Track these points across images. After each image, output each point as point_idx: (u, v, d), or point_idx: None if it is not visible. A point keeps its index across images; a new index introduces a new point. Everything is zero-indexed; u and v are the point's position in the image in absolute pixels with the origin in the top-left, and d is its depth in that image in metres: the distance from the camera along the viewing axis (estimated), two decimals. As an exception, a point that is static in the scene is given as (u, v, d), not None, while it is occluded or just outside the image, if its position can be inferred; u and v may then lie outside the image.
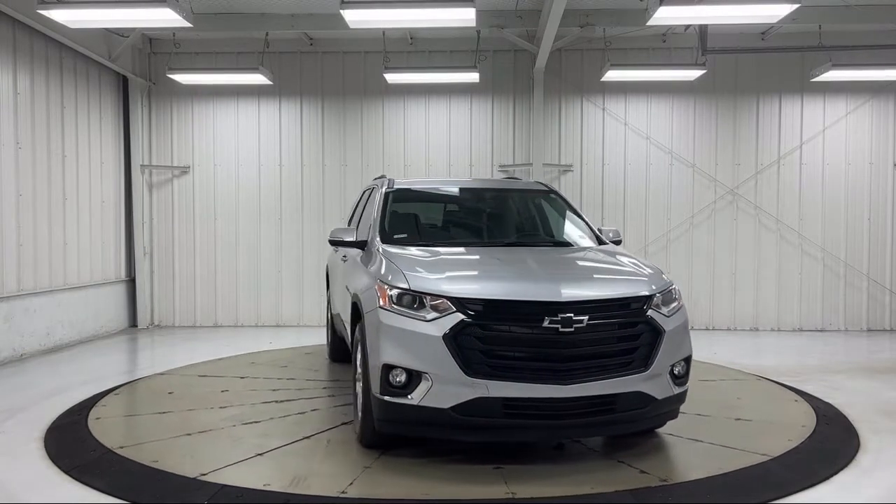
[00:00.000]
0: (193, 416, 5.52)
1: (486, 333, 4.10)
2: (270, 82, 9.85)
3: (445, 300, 4.16)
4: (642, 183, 10.45)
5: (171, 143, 10.69)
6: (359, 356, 4.79)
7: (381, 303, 4.32)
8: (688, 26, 9.56)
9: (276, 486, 4.05)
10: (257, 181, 10.66)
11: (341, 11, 7.02)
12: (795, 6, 6.94)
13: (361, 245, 5.39)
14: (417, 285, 4.27)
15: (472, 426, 4.12)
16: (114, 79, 10.22)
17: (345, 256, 6.18)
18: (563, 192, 6.76)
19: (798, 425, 5.30)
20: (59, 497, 4.02)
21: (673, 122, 10.47)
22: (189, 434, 5.05)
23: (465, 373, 4.02)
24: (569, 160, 10.46)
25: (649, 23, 7.42)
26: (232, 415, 5.54)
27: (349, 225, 7.09)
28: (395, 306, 4.26)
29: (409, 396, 4.12)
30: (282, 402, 5.96)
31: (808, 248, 10.38)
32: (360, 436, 4.69)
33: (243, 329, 10.45)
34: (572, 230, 5.85)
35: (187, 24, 7.23)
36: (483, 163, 10.53)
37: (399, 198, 5.90)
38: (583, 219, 5.96)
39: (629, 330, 4.29)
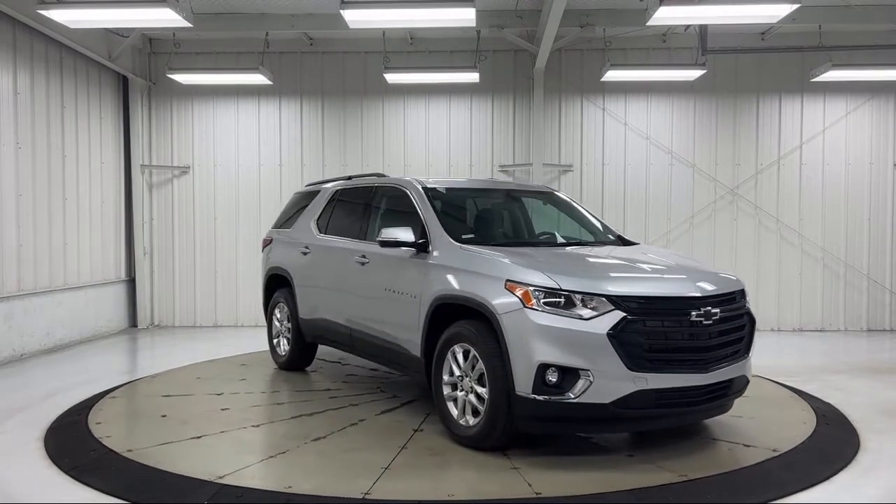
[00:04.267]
0: (243, 437, 4.99)
1: (646, 329, 4.28)
2: (270, 82, 9.85)
3: (602, 299, 4.29)
4: (642, 183, 10.45)
5: (171, 143, 10.69)
6: (459, 359, 4.76)
7: (526, 303, 4.35)
8: (688, 26, 9.56)
9: (459, 496, 3.91)
10: (257, 181, 10.66)
11: (341, 11, 7.03)
12: (795, 6, 6.94)
13: (422, 246, 5.20)
14: (568, 285, 4.33)
15: (628, 418, 4.37)
16: (114, 79, 10.22)
17: (363, 256, 5.88)
18: (563, 193, 6.87)
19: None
20: (59, 497, 4.02)
21: (673, 122, 10.47)
22: (272, 456, 4.58)
23: (629, 368, 4.18)
24: (569, 160, 10.46)
25: (649, 23, 7.43)
26: (283, 433, 5.10)
27: (320, 227, 6.83)
28: (545, 306, 4.31)
29: (567, 394, 4.23)
30: (311, 415, 5.53)
31: (808, 248, 10.38)
32: (483, 438, 4.57)
33: (244, 329, 10.45)
34: (604, 231, 6.15)
35: (187, 24, 7.24)
36: (483, 163, 10.53)
37: (437, 198, 5.72)
38: (599, 220, 6.35)
39: (739, 320, 4.75)
